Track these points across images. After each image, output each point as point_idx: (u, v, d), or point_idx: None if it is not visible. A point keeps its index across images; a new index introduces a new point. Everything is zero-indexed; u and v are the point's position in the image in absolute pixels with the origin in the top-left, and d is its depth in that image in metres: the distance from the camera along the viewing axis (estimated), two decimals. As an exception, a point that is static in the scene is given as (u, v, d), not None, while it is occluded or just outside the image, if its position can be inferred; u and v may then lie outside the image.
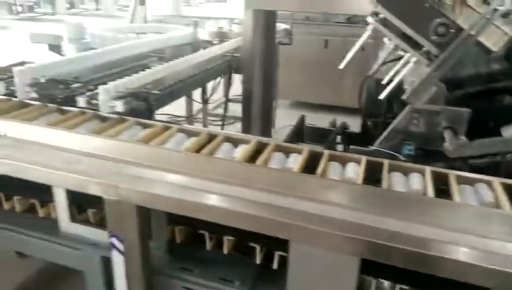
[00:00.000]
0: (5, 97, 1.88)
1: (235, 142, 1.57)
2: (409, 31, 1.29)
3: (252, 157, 1.49)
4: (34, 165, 1.42)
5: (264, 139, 1.55)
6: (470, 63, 1.77)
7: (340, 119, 2.33)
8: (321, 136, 2.14)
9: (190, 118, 4.20)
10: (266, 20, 2.57)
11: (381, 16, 1.39)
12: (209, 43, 3.76)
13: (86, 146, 1.50)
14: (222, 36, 3.78)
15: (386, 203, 1.19)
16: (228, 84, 3.35)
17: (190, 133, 1.65)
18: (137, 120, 1.70)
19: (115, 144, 1.50)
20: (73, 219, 1.67)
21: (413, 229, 1.06)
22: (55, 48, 3.30)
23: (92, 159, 1.44)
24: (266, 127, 3.05)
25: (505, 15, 1.45)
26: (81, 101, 1.71)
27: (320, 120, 2.59)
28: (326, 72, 5.81)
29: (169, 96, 2.07)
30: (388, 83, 1.61)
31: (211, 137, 1.60)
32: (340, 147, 2.07)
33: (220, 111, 5.54)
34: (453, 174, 1.35)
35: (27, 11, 16.42)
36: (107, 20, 14.25)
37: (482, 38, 1.51)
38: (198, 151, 1.49)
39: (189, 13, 9.37)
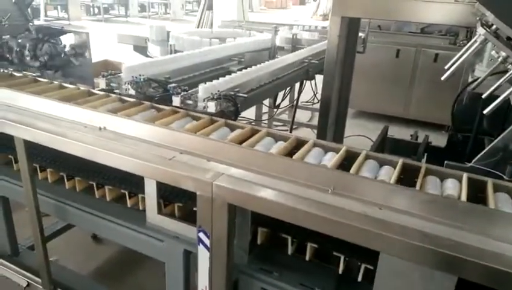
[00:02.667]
0: (104, 93, 2.01)
1: (325, 149, 1.57)
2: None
3: (342, 165, 1.47)
4: (131, 157, 1.49)
5: (354, 149, 1.53)
6: None
7: (407, 132, 2.22)
8: (402, 148, 2.08)
9: (258, 121, 4.26)
10: (350, 28, 2.55)
11: (493, 27, 1.33)
12: (282, 49, 3.81)
13: (180, 143, 1.56)
14: (295, 42, 3.81)
15: (492, 224, 1.12)
16: (300, 91, 3.36)
17: (278, 138, 1.67)
18: (227, 121, 1.75)
19: (207, 143, 1.54)
20: (159, 211, 1.75)
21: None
22: (139, 49, 3.51)
23: (186, 155, 1.50)
24: (338, 135, 3.01)
25: None
26: (176, 100, 1.79)
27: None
28: (395, 83, 5.63)
29: (253, 99, 2.12)
30: (488, 98, 1.52)
31: (300, 143, 1.61)
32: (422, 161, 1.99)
33: (283, 116, 5.57)
34: None
35: (103, 12, 17.57)
36: (175, 24, 14.92)
37: None
38: (288, 155, 1.50)
39: (253, 19, 9.55)
